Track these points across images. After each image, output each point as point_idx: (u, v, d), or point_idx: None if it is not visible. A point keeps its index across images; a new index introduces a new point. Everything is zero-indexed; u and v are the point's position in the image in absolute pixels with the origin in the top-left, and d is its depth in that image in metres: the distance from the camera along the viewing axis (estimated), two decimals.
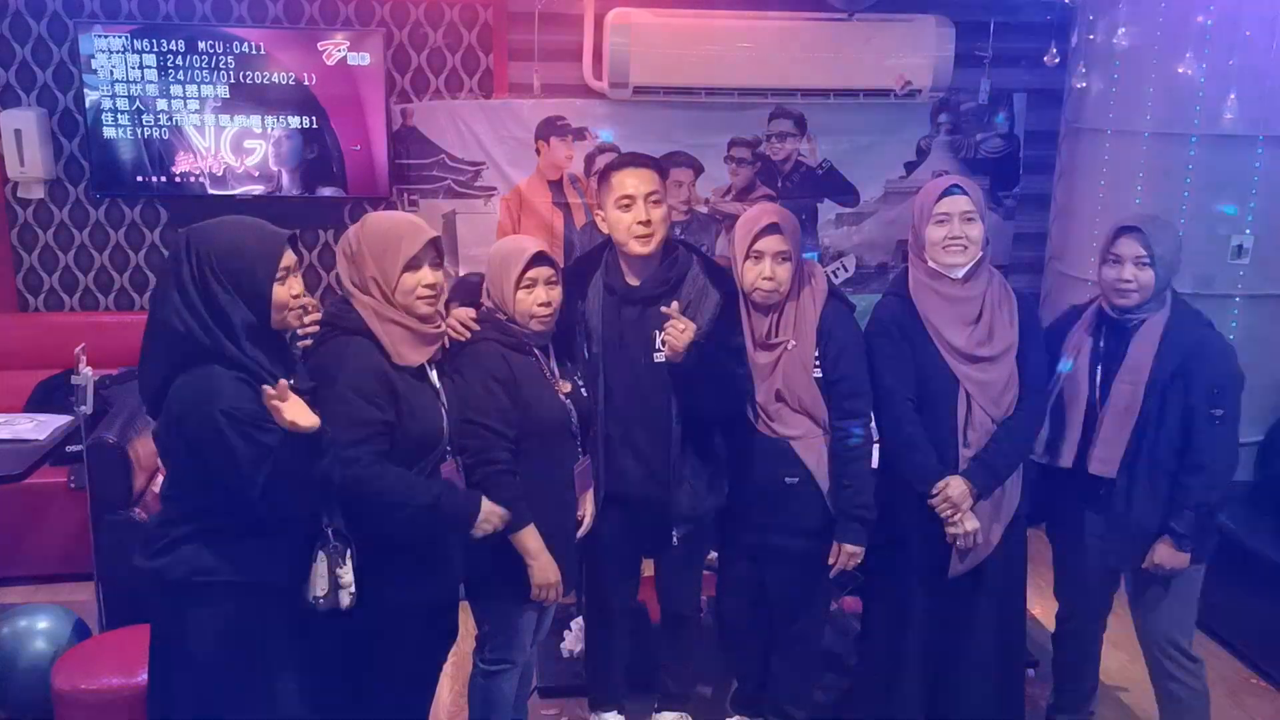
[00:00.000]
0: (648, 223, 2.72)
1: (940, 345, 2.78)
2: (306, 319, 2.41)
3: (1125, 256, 2.78)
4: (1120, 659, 3.58)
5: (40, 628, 3.22)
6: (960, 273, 2.78)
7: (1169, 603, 2.89)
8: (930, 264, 2.80)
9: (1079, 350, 2.90)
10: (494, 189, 4.73)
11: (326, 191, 4.54)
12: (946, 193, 2.77)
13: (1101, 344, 2.88)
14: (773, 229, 2.74)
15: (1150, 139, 4.18)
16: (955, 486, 2.76)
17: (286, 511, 2.20)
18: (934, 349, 2.78)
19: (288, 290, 2.23)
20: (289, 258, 2.24)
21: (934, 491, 2.76)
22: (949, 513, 2.76)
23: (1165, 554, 2.81)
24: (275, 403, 2.06)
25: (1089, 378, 2.87)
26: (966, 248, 2.76)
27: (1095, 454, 2.85)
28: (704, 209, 4.88)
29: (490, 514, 2.52)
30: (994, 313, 2.80)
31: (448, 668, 2.97)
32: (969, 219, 2.76)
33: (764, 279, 2.74)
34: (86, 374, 3.14)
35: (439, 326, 2.52)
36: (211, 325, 2.13)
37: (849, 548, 2.79)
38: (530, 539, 2.61)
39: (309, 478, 2.15)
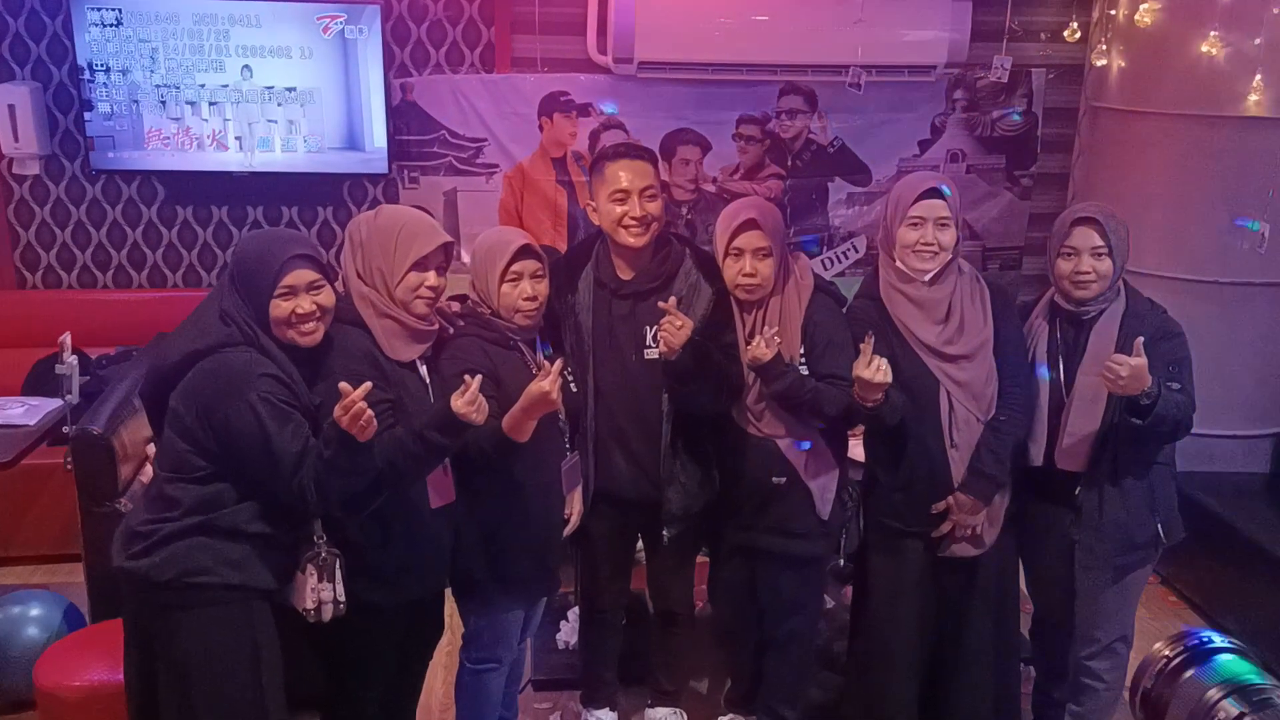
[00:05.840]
0: (642, 218, 2.65)
1: (914, 345, 2.71)
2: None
3: (1081, 248, 2.68)
4: None
5: (32, 615, 3.20)
6: (927, 278, 2.70)
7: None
8: (898, 264, 2.72)
9: (1035, 348, 2.80)
10: (496, 166, 4.64)
11: (324, 168, 4.46)
12: (924, 195, 2.68)
13: (1059, 338, 2.78)
14: (750, 225, 2.66)
15: (1172, 120, 4.04)
16: (962, 505, 2.71)
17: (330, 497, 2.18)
18: (911, 350, 2.71)
19: (290, 306, 2.21)
20: (298, 276, 2.21)
21: (944, 510, 2.73)
22: (965, 533, 2.74)
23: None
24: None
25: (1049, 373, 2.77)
26: (937, 254, 2.68)
27: (1063, 448, 2.74)
28: (711, 188, 4.75)
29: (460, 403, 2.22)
30: (963, 309, 2.72)
31: (443, 661, 2.94)
32: (943, 225, 2.68)
33: (744, 276, 2.67)
34: (71, 363, 3.09)
35: (432, 324, 2.47)
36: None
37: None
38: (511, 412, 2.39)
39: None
